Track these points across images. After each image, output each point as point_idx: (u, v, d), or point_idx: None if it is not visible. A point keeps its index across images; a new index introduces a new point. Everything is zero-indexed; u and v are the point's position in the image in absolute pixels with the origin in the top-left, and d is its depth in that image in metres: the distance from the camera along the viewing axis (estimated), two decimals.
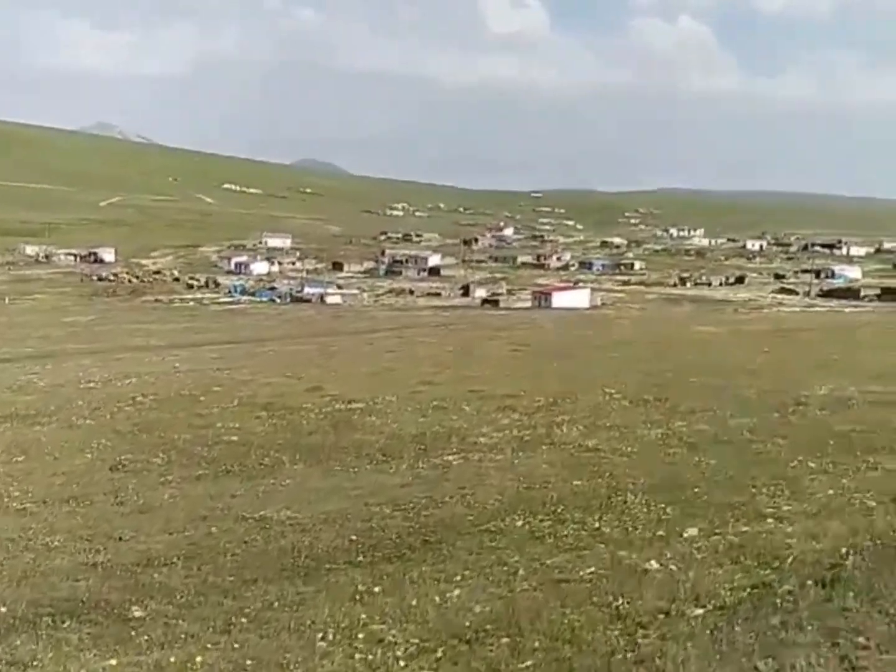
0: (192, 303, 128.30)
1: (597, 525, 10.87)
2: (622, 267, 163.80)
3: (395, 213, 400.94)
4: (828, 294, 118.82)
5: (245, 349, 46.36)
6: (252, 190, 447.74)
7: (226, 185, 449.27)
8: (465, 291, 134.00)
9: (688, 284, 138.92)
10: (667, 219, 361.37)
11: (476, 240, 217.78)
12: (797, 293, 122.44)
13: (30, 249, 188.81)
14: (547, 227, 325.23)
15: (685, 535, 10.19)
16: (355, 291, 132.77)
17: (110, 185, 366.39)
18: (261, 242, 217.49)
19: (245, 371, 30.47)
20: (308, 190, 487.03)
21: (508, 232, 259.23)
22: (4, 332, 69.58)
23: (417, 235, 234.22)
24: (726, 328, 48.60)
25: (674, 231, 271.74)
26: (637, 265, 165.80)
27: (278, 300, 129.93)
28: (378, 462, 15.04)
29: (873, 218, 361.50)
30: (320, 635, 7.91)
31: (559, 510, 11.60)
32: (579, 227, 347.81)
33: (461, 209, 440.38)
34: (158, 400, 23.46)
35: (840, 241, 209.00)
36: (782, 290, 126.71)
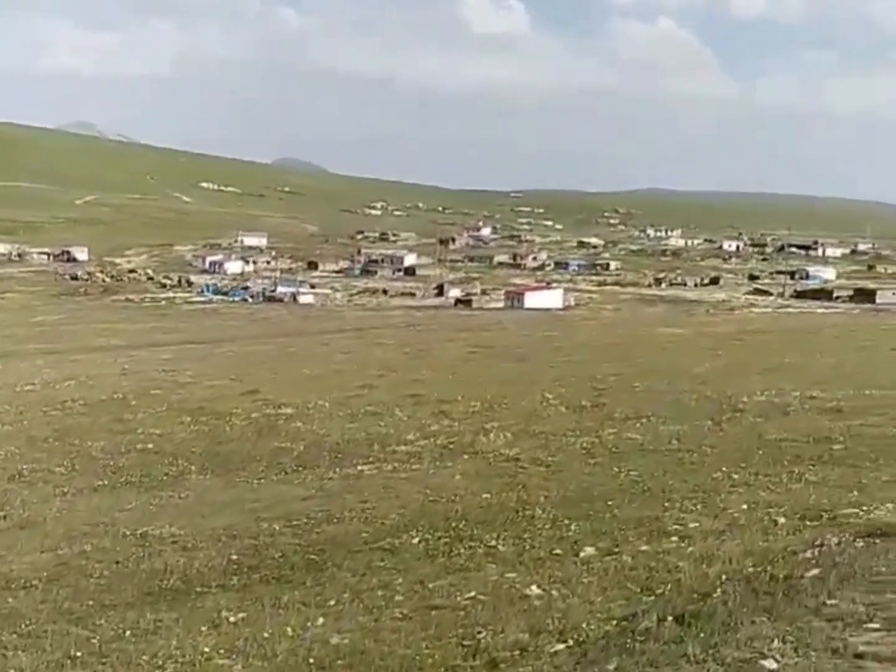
0: (163, 302, 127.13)
1: (494, 543, 10.29)
2: (598, 267, 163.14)
3: (373, 212, 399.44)
4: (801, 295, 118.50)
5: (203, 350, 45.72)
6: (230, 189, 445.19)
7: (203, 184, 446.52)
8: (440, 291, 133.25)
9: (663, 285, 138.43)
10: (646, 219, 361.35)
11: (453, 239, 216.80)
12: (771, 294, 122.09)
13: (2, 248, 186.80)
14: (525, 227, 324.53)
15: (581, 554, 9.63)
16: (328, 291, 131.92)
17: (87, 184, 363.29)
18: (236, 241, 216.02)
19: (191, 373, 29.80)
20: (286, 189, 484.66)
21: (486, 232, 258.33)
22: None
23: (394, 235, 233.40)
24: (691, 330, 48.17)
25: (651, 231, 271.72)
26: (613, 265, 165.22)
27: (251, 300, 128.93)
28: (288, 472, 14.44)
29: (849, 219, 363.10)
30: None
31: (460, 526, 11.01)
32: (558, 227, 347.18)
33: (440, 208, 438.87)
34: (89, 404, 22.76)
35: (816, 243, 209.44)
36: (756, 291, 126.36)
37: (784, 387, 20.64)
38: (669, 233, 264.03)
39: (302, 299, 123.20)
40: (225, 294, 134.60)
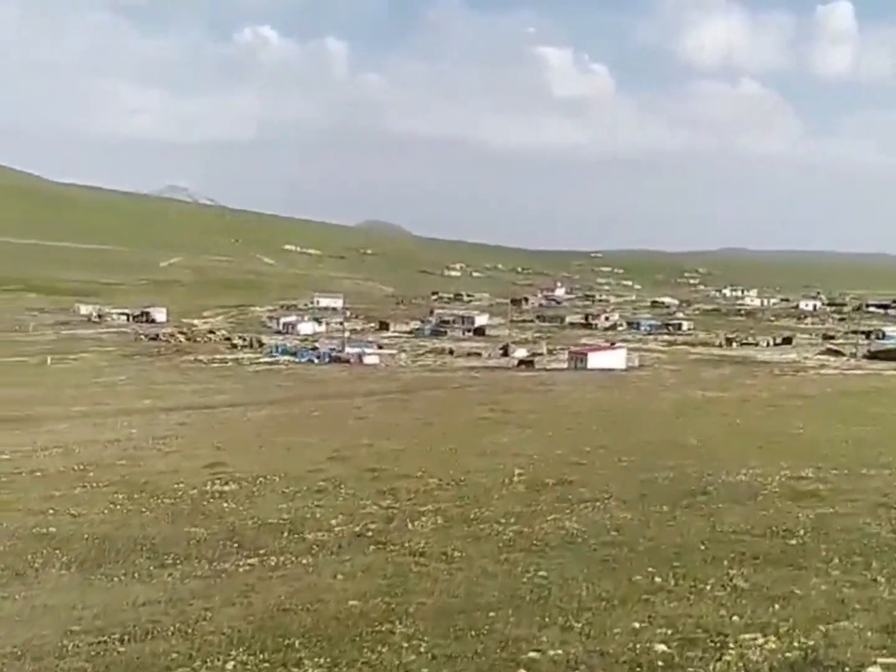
0: (230, 363, 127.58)
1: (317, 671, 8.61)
2: (670, 327, 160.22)
3: (452, 273, 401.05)
4: (874, 356, 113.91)
5: (226, 414, 44.95)
6: (312, 251, 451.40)
7: (286, 246, 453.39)
8: (505, 351, 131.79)
9: (734, 345, 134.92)
10: (726, 279, 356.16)
11: (526, 300, 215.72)
12: (844, 354, 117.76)
13: (84, 309, 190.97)
14: (605, 288, 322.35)
15: None
16: (393, 352, 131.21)
17: (172, 247, 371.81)
18: (312, 302, 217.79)
19: (182, 441, 28.72)
20: (368, 251, 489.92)
21: (560, 292, 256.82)
22: (13, 394, 68.88)
23: (468, 295, 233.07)
24: (735, 394, 45.93)
25: (727, 291, 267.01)
26: (685, 325, 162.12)
27: (316, 360, 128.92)
28: (159, 567, 12.94)
29: None
30: None
31: (295, 645, 9.45)
32: (637, 287, 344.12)
33: (519, 269, 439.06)
34: (43, 475, 21.68)
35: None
36: (828, 352, 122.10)
37: (778, 463, 18.65)
38: (746, 292, 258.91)
39: (367, 360, 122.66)
40: (293, 354, 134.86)
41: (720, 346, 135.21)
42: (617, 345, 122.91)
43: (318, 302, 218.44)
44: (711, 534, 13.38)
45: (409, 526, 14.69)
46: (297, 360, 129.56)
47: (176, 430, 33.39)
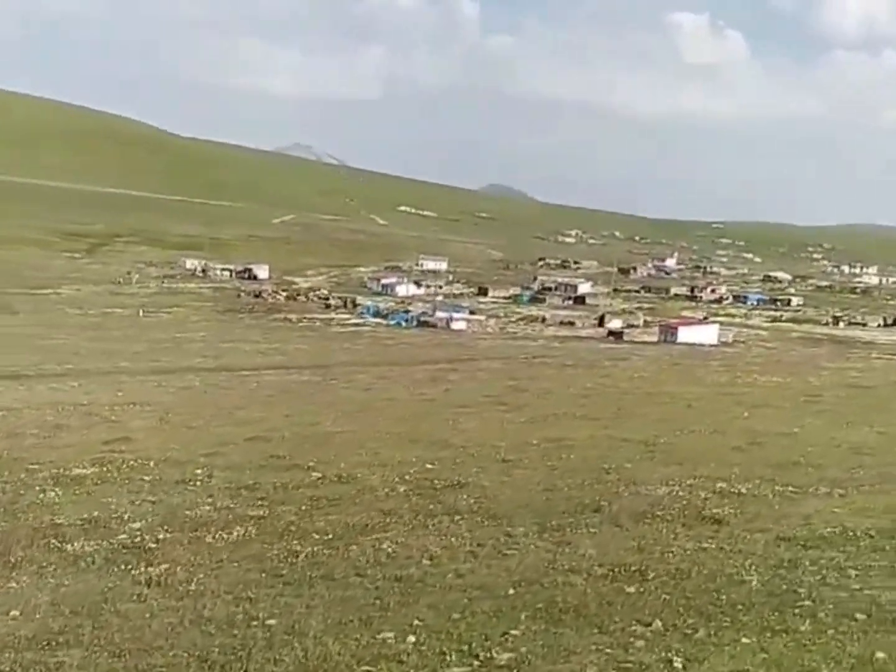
0: (318, 323, 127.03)
1: None
2: (778, 303, 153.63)
3: (567, 239, 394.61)
4: None
5: (250, 378, 43.33)
6: (427, 213, 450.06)
7: (401, 207, 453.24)
8: (601, 322, 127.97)
9: (841, 324, 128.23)
10: (850, 255, 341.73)
11: (634, 269, 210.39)
12: None
13: (189, 263, 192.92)
14: (723, 259, 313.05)
15: None
16: (482, 318, 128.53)
17: (288, 204, 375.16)
18: (417, 264, 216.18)
19: (136, 410, 27.13)
20: (483, 214, 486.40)
21: (670, 262, 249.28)
22: (72, 345, 69.11)
23: (575, 262, 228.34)
24: (795, 380, 41.93)
25: (845, 267, 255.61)
26: (794, 301, 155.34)
27: (404, 324, 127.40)
28: None
29: None
30: None
31: None
32: (757, 260, 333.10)
33: (637, 238, 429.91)
34: None
35: None
36: None
37: (727, 472, 15.75)
38: (865, 269, 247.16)
39: (454, 325, 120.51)
40: (385, 317, 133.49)
41: (826, 324, 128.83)
42: (710, 319, 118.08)
43: (422, 264, 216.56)
44: (542, 570, 10.59)
45: (208, 538, 12.20)
46: (386, 322, 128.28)
47: (159, 397, 31.73)
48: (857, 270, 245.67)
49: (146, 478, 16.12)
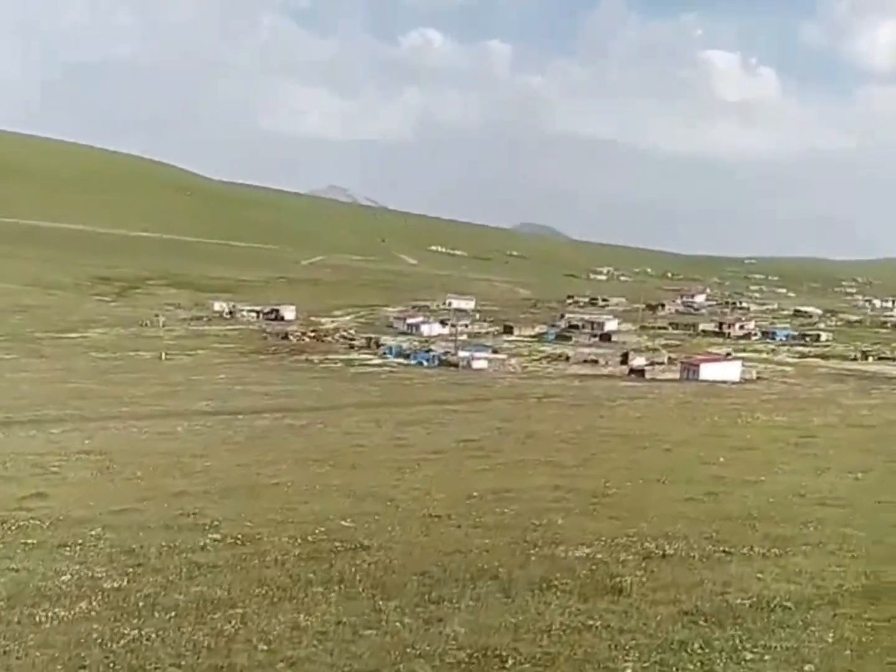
0: (339, 364, 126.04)
1: None
2: (807, 338, 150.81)
3: (598, 277, 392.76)
4: None
5: (252, 423, 42.17)
6: (457, 252, 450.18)
7: (432, 247, 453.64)
8: (625, 359, 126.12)
9: (869, 359, 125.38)
10: (885, 289, 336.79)
11: (662, 305, 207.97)
12: None
13: (217, 305, 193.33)
14: (756, 295, 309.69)
15: None
16: (503, 356, 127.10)
17: (318, 246, 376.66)
18: (445, 304, 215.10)
19: (91, 459, 25.93)
20: (514, 253, 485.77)
21: (700, 298, 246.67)
22: (90, 391, 68.50)
23: (603, 299, 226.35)
24: (804, 419, 40.13)
25: (877, 302, 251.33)
26: (823, 336, 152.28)
27: (426, 363, 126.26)
28: None
29: None
30: None
31: None
32: (791, 294, 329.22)
33: (669, 274, 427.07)
34: None
35: None
36: None
37: (664, 530, 14.32)
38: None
39: (475, 364, 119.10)
40: (407, 357, 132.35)
41: (855, 359, 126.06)
42: (733, 356, 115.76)
43: (450, 303, 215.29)
44: (391, 657, 9.18)
45: (40, 615, 10.84)
46: (408, 362, 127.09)
47: (125, 444, 30.62)
48: (889, 304, 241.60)
49: (29, 540, 14.89)
